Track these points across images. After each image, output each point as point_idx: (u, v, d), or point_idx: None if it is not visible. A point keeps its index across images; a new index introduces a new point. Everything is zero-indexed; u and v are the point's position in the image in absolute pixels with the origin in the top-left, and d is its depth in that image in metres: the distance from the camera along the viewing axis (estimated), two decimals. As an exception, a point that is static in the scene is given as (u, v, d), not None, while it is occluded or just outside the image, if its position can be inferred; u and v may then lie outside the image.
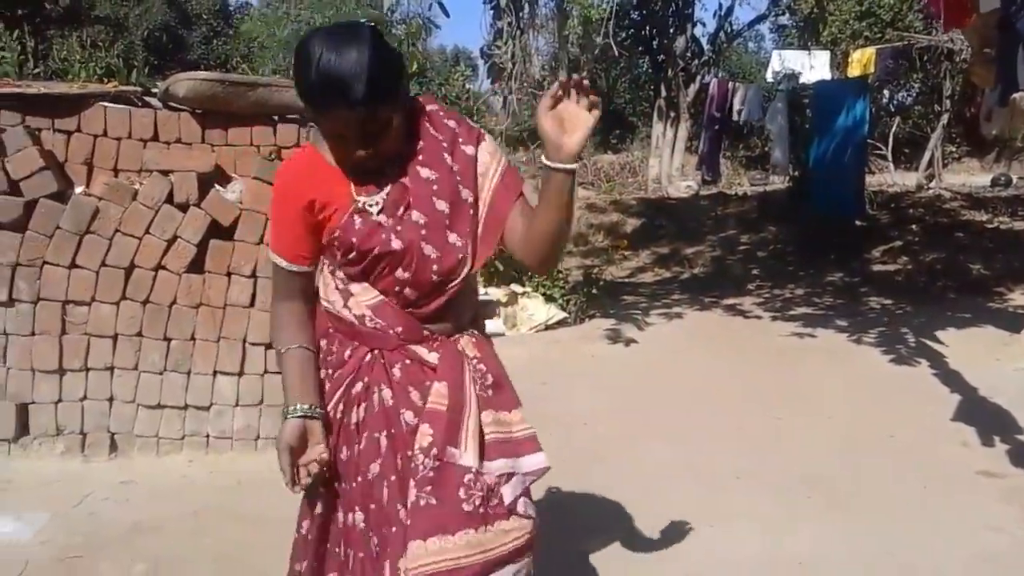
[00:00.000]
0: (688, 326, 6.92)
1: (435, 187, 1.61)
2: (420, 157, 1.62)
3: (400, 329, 1.64)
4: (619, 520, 3.14)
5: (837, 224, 10.20)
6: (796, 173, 12.14)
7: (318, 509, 1.70)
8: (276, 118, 3.99)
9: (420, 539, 1.53)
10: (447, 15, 6.74)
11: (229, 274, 3.71)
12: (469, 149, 1.67)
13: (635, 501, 3.26)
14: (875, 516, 3.19)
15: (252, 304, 3.72)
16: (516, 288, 6.67)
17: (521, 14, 5.88)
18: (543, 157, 1.53)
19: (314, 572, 1.73)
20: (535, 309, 6.55)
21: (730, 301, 8.05)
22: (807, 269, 9.47)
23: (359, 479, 1.64)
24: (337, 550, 1.70)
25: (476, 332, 1.74)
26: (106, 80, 4.35)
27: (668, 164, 14.67)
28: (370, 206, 1.61)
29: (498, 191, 1.66)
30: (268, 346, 3.73)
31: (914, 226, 10.61)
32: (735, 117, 13.30)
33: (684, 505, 3.20)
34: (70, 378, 3.65)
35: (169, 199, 3.64)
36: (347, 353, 1.67)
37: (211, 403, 3.74)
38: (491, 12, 6.16)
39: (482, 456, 1.60)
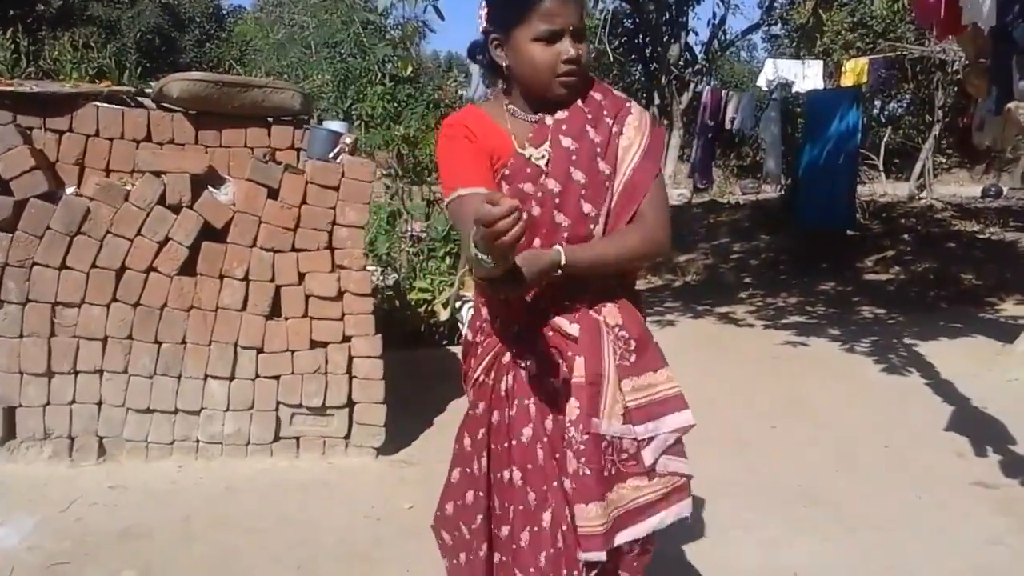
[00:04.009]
0: (681, 334, 6.91)
1: (574, 157, 1.69)
2: (564, 127, 1.70)
3: (543, 302, 1.72)
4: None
5: (829, 234, 10.22)
6: (789, 182, 12.18)
7: (471, 465, 1.80)
8: (271, 119, 3.97)
9: (583, 504, 1.67)
10: (442, 18, 6.72)
11: (221, 277, 3.68)
12: (612, 122, 1.72)
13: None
14: (870, 527, 3.17)
15: (244, 308, 3.69)
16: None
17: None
18: None
19: (469, 518, 1.81)
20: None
21: (723, 309, 8.05)
22: (799, 278, 9.48)
23: (513, 442, 1.73)
24: (493, 503, 1.78)
25: (624, 298, 1.79)
26: (98, 81, 4.30)
27: (661, 172, 14.68)
28: (537, 159, 1.69)
29: (637, 167, 1.72)
30: (259, 350, 3.70)
31: (906, 236, 10.63)
32: (728, 125, 13.31)
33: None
34: (58, 381, 3.60)
35: (161, 200, 3.60)
36: (497, 323, 1.78)
37: (201, 407, 3.70)
38: (486, 17, 6.18)
39: (628, 422, 1.71)
